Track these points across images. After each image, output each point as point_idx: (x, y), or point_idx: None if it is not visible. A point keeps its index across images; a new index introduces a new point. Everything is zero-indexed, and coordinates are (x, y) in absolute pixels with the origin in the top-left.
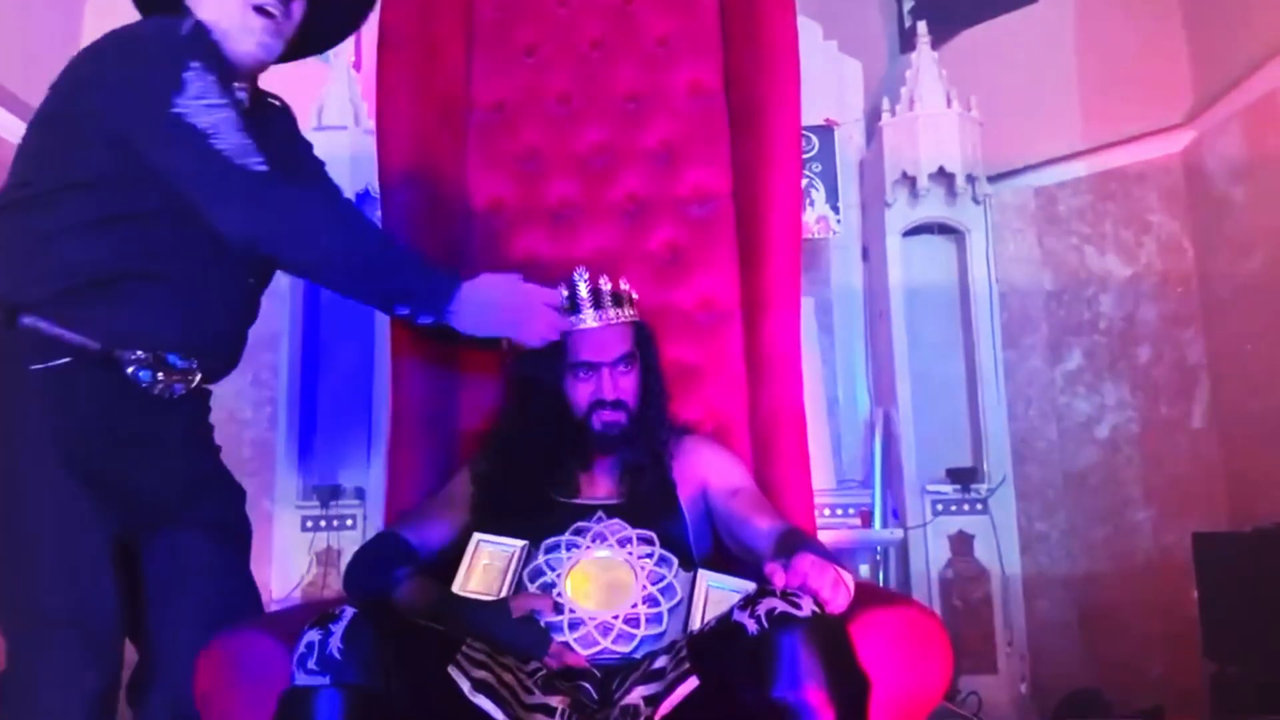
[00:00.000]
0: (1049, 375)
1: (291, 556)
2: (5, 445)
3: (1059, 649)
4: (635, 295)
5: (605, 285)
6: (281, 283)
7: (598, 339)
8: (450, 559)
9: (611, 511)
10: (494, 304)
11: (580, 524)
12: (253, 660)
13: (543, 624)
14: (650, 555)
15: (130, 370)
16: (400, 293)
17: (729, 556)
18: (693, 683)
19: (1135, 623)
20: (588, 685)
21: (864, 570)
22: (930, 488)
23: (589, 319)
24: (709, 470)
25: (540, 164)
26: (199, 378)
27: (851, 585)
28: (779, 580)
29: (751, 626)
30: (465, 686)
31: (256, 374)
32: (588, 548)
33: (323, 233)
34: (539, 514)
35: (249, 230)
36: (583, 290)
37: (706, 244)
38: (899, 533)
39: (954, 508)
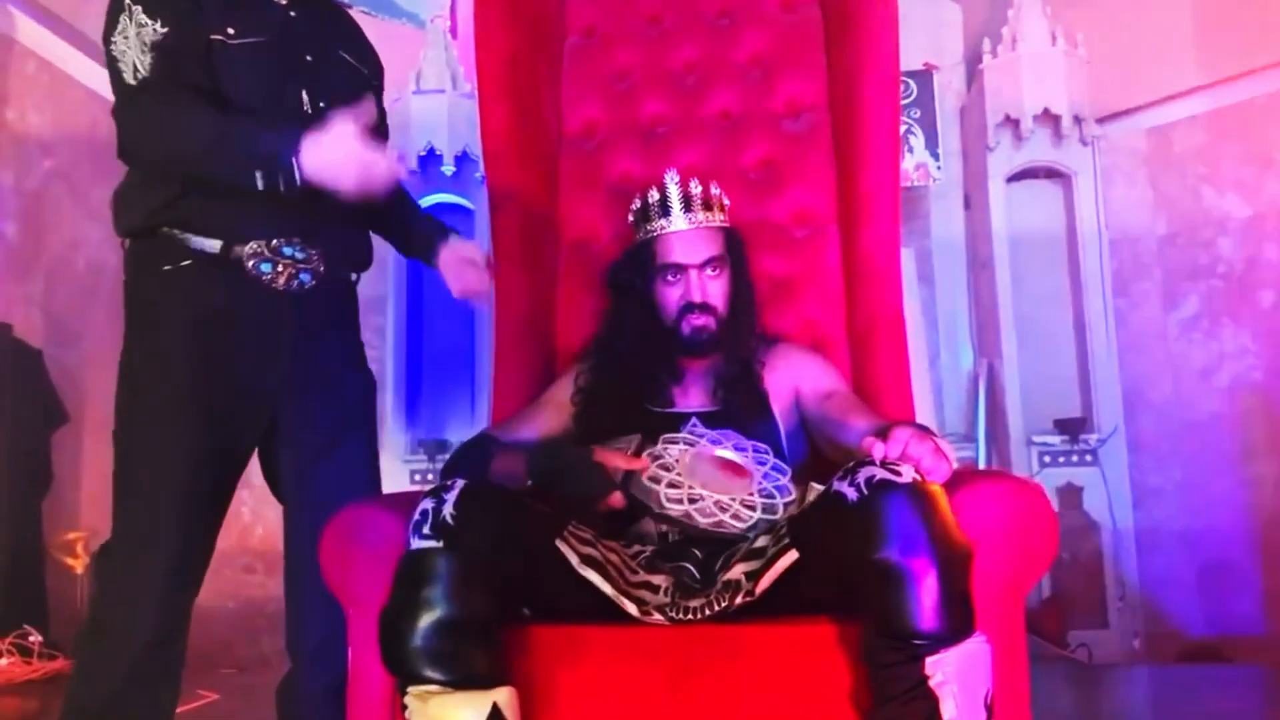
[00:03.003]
0: (1162, 323)
1: None
2: (143, 333)
3: (1174, 605)
4: (727, 201)
5: (696, 189)
6: (384, 250)
7: (686, 241)
8: None
9: (705, 420)
10: (328, 148)
11: (671, 435)
12: (372, 531)
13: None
14: (765, 461)
15: (250, 265)
16: (251, 157)
17: (825, 463)
18: (792, 555)
19: (1257, 579)
20: (690, 566)
21: None
22: (1037, 439)
23: (678, 221)
24: (801, 375)
25: (632, 84)
26: (323, 268)
27: (954, 457)
28: (878, 452)
29: (851, 494)
30: (574, 560)
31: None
32: (710, 441)
33: (164, 130)
34: (632, 423)
35: (119, 141)
36: (673, 192)
37: (801, 157)
38: None
39: (1062, 459)
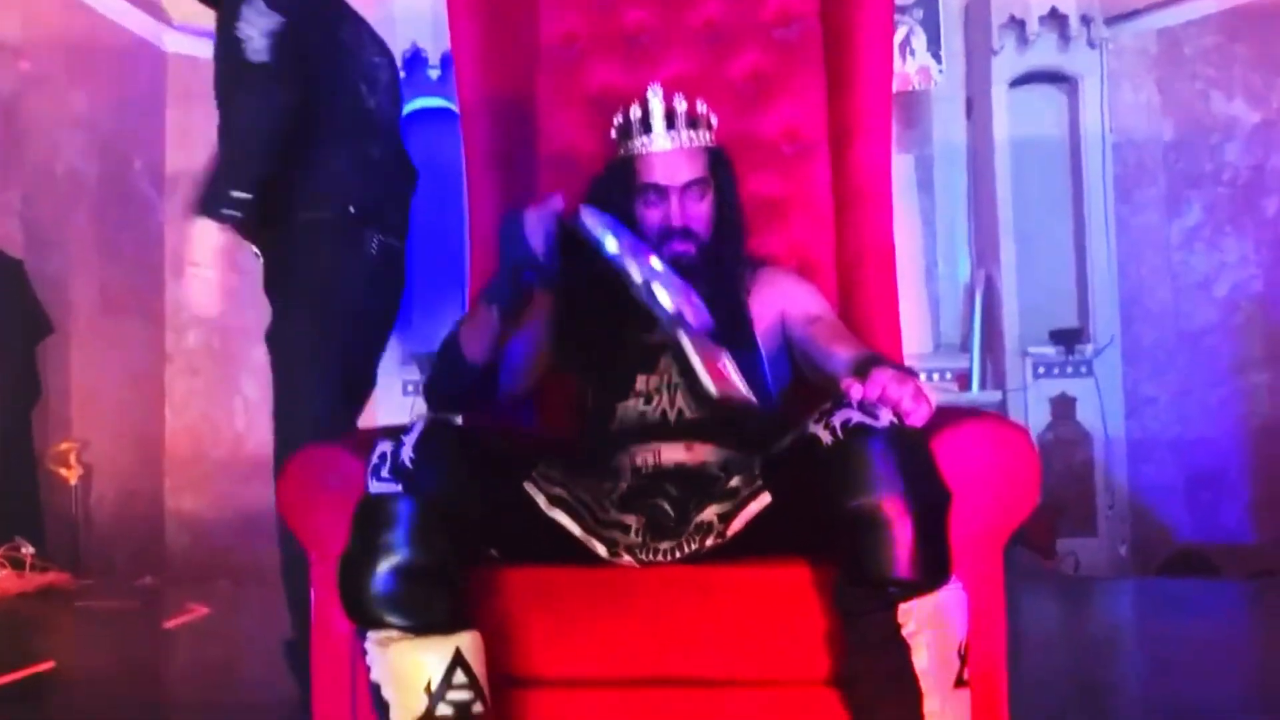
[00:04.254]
0: (1164, 231)
1: (394, 420)
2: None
3: (1163, 513)
4: (714, 120)
5: (680, 105)
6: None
7: (668, 161)
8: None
9: None
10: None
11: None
12: (332, 473)
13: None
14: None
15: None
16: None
17: (809, 388)
18: (764, 499)
19: (1246, 488)
20: (664, 505)
21: None
22: (1032, 350)
23: (660, 140)
24: (786, 299)
25: None
26: None
27: (934, 399)
28: (856, 393)
29: (826, 437)
30: (541, 501)
31: None
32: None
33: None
34: (611, 351)
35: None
36: (656, 108)
37: (791, 69)
38: (997, 395)
39: (1056, 370)
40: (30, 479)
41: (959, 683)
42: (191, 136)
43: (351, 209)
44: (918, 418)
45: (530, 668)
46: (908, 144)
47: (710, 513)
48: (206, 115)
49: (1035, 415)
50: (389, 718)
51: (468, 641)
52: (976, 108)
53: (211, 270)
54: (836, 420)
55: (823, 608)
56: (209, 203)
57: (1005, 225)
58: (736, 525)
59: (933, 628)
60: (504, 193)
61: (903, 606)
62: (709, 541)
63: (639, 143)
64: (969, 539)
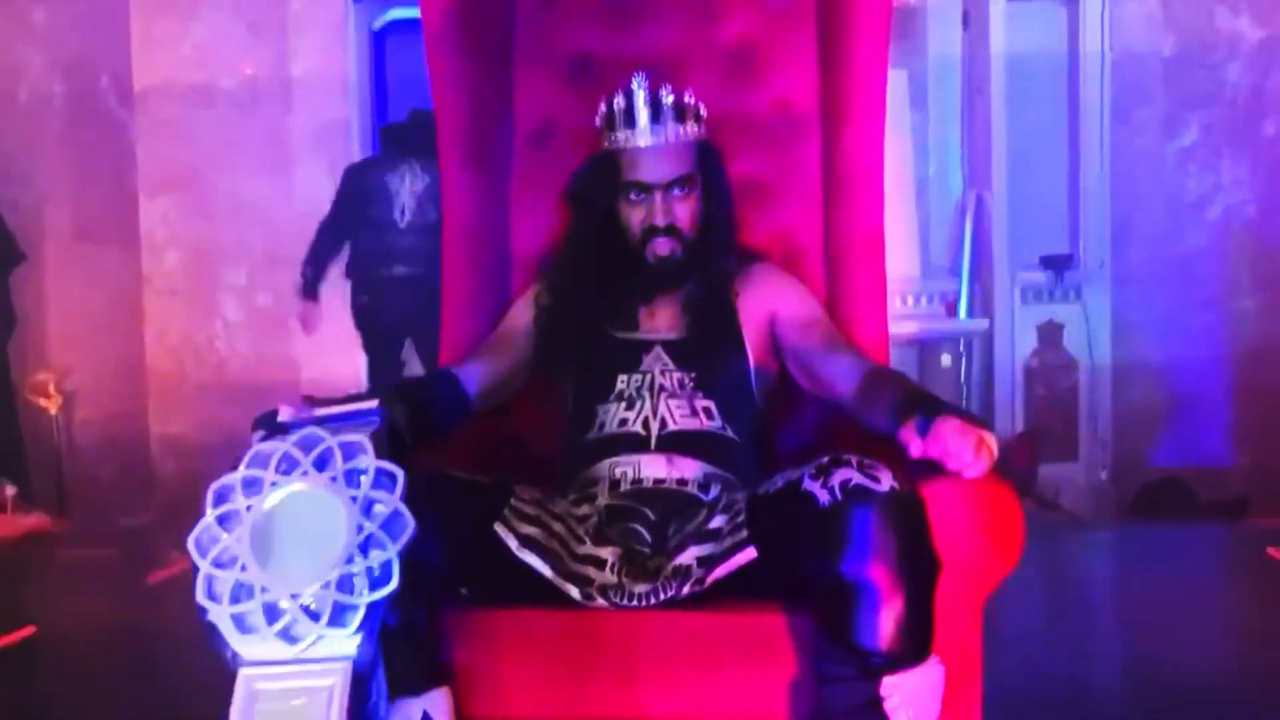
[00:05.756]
0: (1160, 153)
1: None
2: None
3: (1144, 438)
4: (703, 111)
5: (666, 97)
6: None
7: (652, 157)
8: (508, 399)
9: (670, 349)
10: None
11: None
12: None
13: None
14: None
15: None
16: None
17: (795, 389)
18: (750, 554)
19: (1229, 413)
20: (641, 529)
21: (945, 360)
22: (1022, 275)
23: (644, 134)
24: (778, 301)
25: None
26: None
27: (995, 447)
28: (915, 450)
29: (824, 498)
30: (512, 543)
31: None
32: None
33: None
34: (593, 350)
35: None
36: (640, 100)
37: (784, 36)
38: (984, 323)
39: (1045, 296)
40: (10, 414)
41: None
42: (158, 48)
43: None
44: (975, 471)
45: (497, 707)
46: (901, 59)
47: (690, 555)
48: (174, 23)
49: (1022, 341)
50: None
51: (436, 702)
52: (973, 21)
53: None
54: (835, 480)
55: (795, 659)
56: None
57: (999, 145)
58: (717, 574)
59: (913, 702)
60: (481, 180)
61: (887, 680)
62: (685, 589)
63: (622, 135)
64: (951, 608)
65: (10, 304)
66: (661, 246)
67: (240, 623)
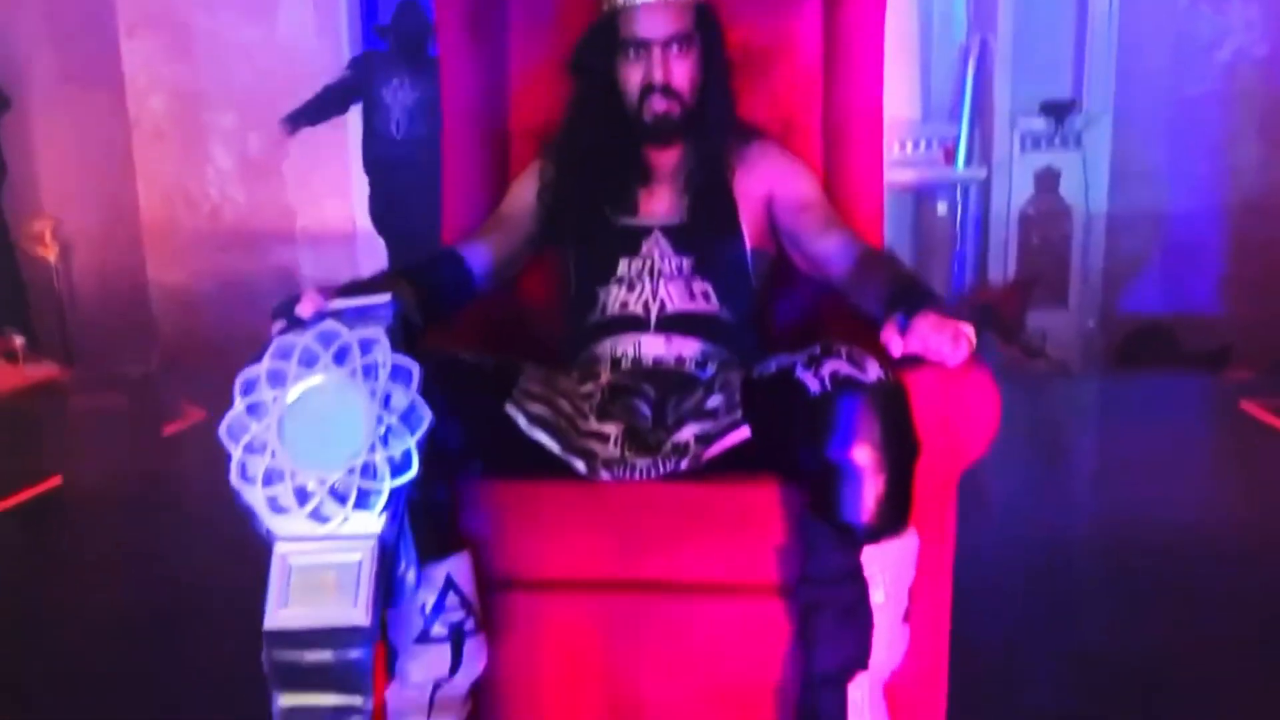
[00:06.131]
0: None
1: None
2: None
3: (1135, 285)
4: None
5: None
6: None
7: (652, 14)
8: (513, 277)
9: (669, 234)
10: None
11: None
12: None
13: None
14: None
15: None
16: None
17: (791, 269)
18: (744, 433)
19: (1221, 262)
20: (642, 405)
21: (941, 209)
22: (1022, 121)
23: None
24: (776, 181)
25: None
26: None
27: (973, 336)
28: (896, 349)
29: (814, 386)
30: (521, 421)
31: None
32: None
33: None
34: (592, 233)
35: None
36: None
37: None
38: (982, 172)
39: (1044, 143)
40: (10, 263)
41: (905, 617)
42: None
43: None
44: (954, 360)
45: (512, 570)
46: None
47: (688, 433)
48: None
49: (1019, 189)
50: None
51: (457, 565)
52: None
53: None
54: (826, 371)
55: (784, 529)
56: None
57: None
58: (713, 451)
59: (890, 570)
60: (480, 53)
61: (868, 550)
62: (684, 464)
63: None
64: (930, 478)
65: (1, 152)
66: (658, 104)
67: (273, 504)
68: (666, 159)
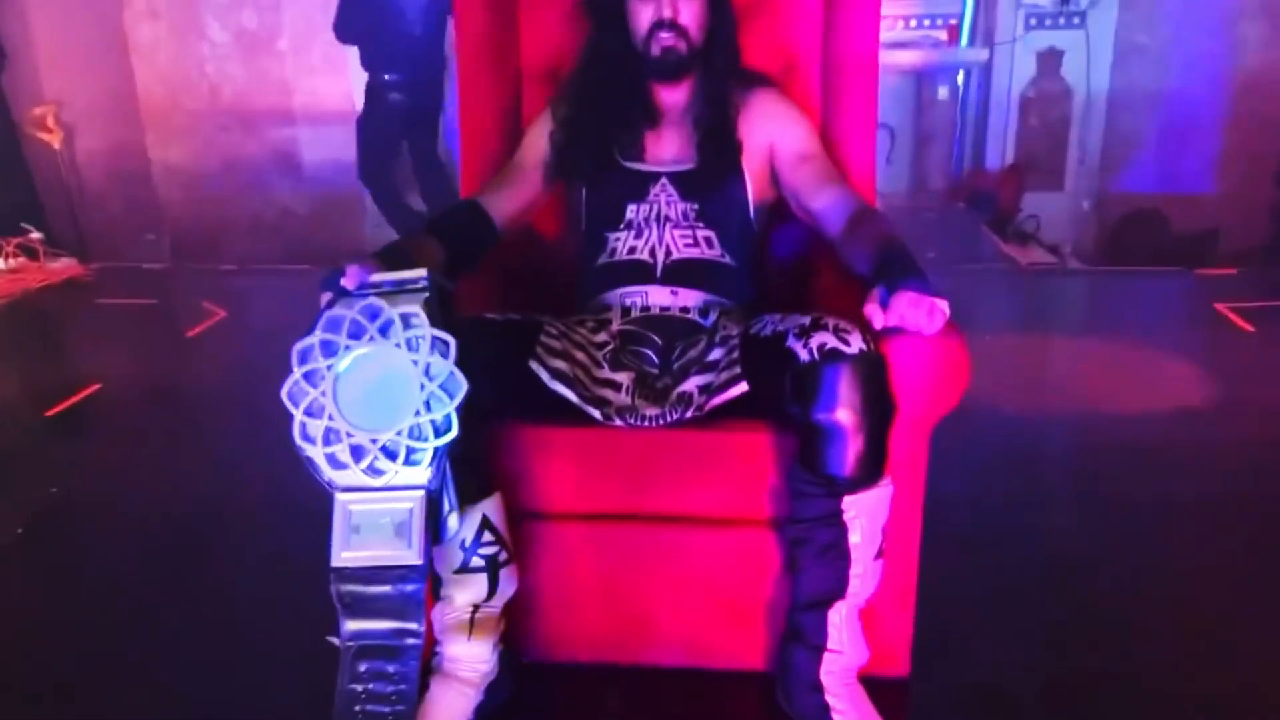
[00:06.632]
0: None
1: None
2: None
3: (1130, 166)
4: None
5: None
6: None
7: None
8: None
9: (676, 181)
10: None
11: (637, 196)
12: None
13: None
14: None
15: None
16: None
17: (788, 214)
18: (742, 387)
19: (1217, 141)
20: (650, 353)
21: (943, 93)
22: (1027, 1)
23: None
24: (778, 132)
25: None
26: None
27: (946, 310)
28: (877, 323)
29: (804, 355)
30: (545, 376)
31: None
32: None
33: None
34: (601, 175)
35: None
36: None
37: None
38: (984, 54)
39: (1049, 22)
40: (16, 153)
41: (878, 555)
42: None
43: None
44: (930, 330)
45: (538, 504)
46: None
47: (692, 384)
48: None
49: (1020, 70)
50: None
51: (491, 506)
52: None
53: None
54: (814, 343)
55: (776, 471)
56: None
57: None
58: (715, 402)
59: (867, 515)
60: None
61: (847, 499)
62: (688, 414)
63: None
64: (904, 436)
65: (0, 39)
66: (666, 39)
67: (332, 460)
68: (674, 99)
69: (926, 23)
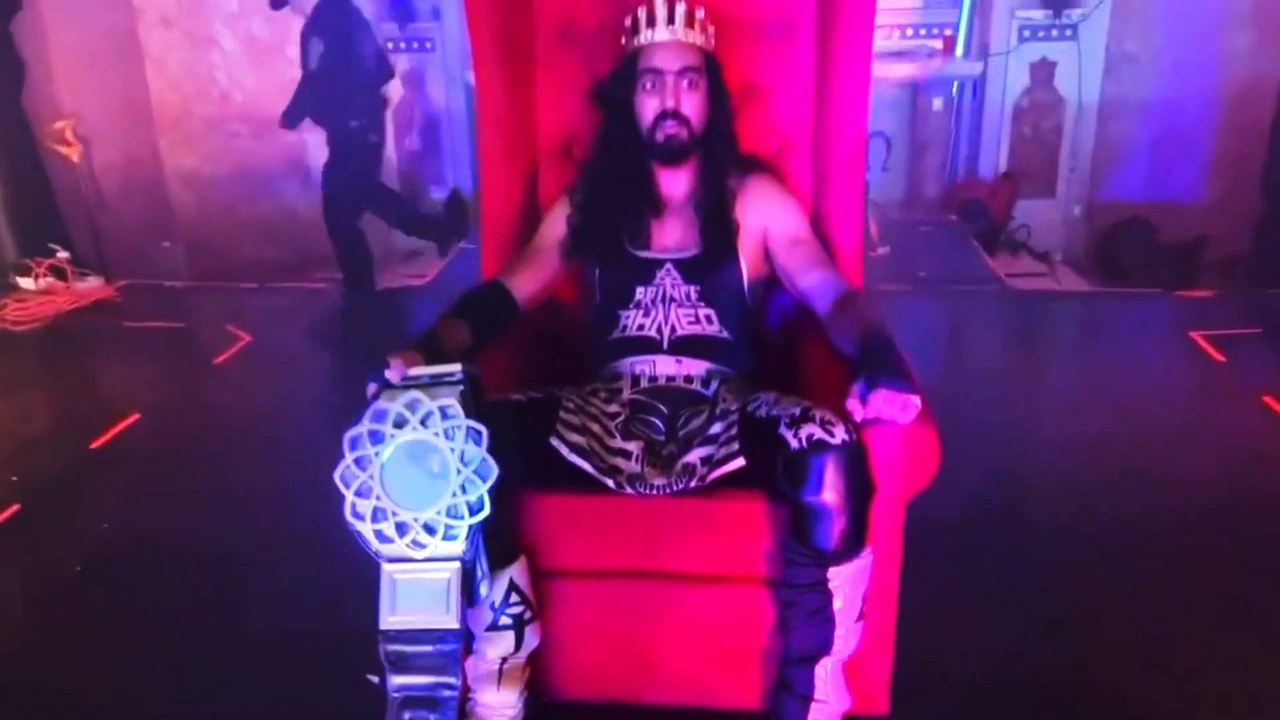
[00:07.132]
0: None
1: None
2: None
3: (1121, 173)
4: (711, 30)
5: (681, 6)
6: None
7: (667, 49)
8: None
9: (679, 267)
10: None
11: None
12: None
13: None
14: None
15: None
16: None
17: (779, 289)
18: (740, 462)
19: (1207, 149)
20: (657, 420)
21: (937, 105)
22: (1020, 14)
23: (661, 31)
24: (772, 216)
25: None
26: None
27: (919, 403)
28: (858, 417)
29: (794, 443)
30: (564, 451)
31: None
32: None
33: None
34: (613, 260)
35: None
36: (660, 8)
37: None
38: (978, 66)
39: (1042, 34)
40: (40, 173)
41: (859, 617)
42: None
43: None
44: (905, 421)
45: (558, 563)
46: None
47: (695, 456)
48: None
49: (1014, 81)
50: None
51: (517, 569)
52: None
53: None
54: (803, 433)
55: (771, 536)
56: None
57: None
58: (716, 474)
59: (849, 583)
60: (508, 69)
61: (832, 570)
62: (692, 483)
63: (643, 36)
64: (882, 511)
65: (16, 51)
66: (669, 127)
67: (380, 535)
68: (677, 187)
69: (923, 31)
